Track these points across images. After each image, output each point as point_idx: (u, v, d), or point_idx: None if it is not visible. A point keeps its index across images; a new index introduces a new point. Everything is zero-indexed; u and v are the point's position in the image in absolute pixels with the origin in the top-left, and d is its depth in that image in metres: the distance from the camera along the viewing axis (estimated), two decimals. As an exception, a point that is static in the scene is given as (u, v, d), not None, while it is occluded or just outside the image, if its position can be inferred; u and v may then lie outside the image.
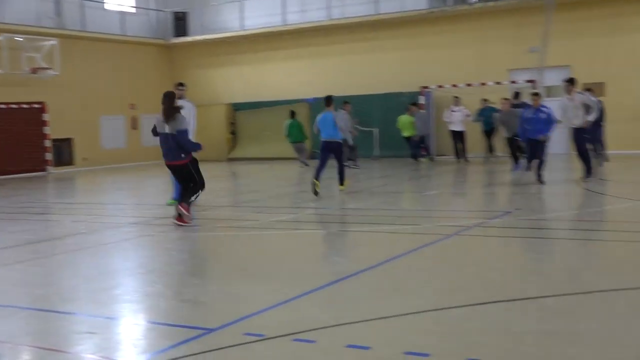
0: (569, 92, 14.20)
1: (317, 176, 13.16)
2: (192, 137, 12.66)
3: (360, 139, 23.09)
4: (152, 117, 25.80)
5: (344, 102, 19.77)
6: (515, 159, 16.83)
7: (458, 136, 21.53)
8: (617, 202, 11.21)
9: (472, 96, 22.38)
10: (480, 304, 5.58)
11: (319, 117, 13.79)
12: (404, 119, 22.43)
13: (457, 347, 4.56)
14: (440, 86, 23.78)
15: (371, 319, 5.20)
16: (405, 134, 22.37)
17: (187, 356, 4.51)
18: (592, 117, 14.00)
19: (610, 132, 21.29)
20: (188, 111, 12.84)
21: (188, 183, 10.36)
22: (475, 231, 9.21)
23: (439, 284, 6.43)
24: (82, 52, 25.45)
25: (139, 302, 6.16)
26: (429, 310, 5.40)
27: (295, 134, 22.42)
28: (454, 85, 23.33)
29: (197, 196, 10.45)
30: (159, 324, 5.45)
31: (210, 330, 5.01)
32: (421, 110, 22.51)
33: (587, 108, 13.97)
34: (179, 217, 10.13)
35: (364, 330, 5.00)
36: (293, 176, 19.43)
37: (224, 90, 28.69)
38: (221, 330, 5.02)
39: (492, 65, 23.23)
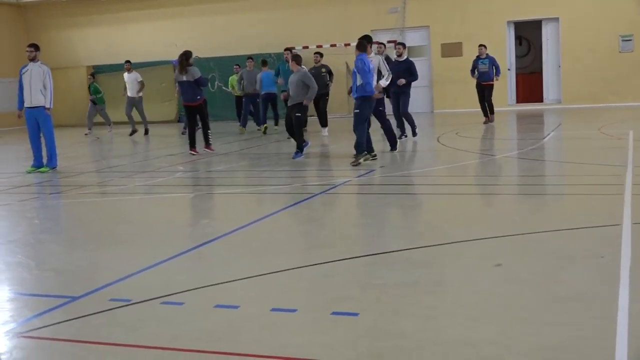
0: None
1: (263, 121, 18.72)
2: (52, 100, 12.30)
3: (227, 101, 22.93)
4: (6, 80, 24.29)
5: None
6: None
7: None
8: (474, 157, 11.78)
9: (337, 57, 22.66)
10: (345, 259, 5.76)
11: (263, 74, 18.35)
12: (233, 79, 20.91)
13: (323, 301, 4.71)
14: (305, 47, 23.93)
15: (239, 279, 5.27)
16: (236, 94, 20.60)
17: (50, 325, 4.41)
18: (383, 83, 12.12)
19: (467, 91, 22.24)
20: (42, 74, 12.34)
21: (203, 120, 14.15)
22: (341, 189, 9.44)
23: (306, 242, 6.59)
24: None
25: (-1, 274, 5.93)
26: (296, 268, 5.53)
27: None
28: (319, 46, 23.52)
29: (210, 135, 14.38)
30: (20, 294, 5.29)
31: (75, 298, 4.92)
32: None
33: (379, 73, 12.01)
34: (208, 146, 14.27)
35: (232, 290, 5.06)
36: (160, 139, 19.10)
37: (84, 52, 27.66)
38: (86, 298, 4.94)
39: (355, 26, 23.58)
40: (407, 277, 5.14)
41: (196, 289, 5.04)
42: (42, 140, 12.68)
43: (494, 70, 18.11)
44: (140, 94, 20.69)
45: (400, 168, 11.24)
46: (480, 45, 18.44)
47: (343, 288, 4.97)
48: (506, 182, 9.89)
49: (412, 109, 23.39)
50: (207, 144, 14.31)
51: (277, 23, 24.75)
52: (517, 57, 24.42)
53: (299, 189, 9.63)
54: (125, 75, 20.82)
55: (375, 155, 11.61)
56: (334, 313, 4.42)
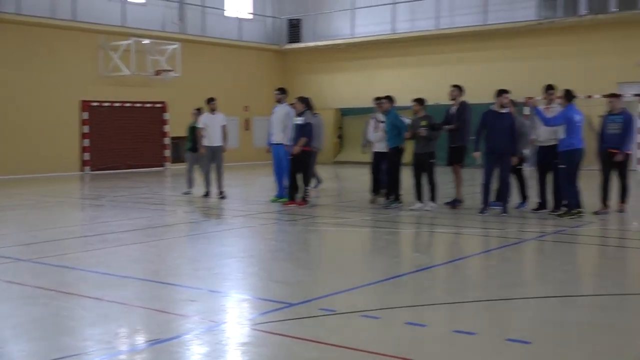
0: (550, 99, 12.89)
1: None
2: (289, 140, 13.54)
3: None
4: (263, 119, 26.70)
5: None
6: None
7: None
8: None
9: (582, 109, 22.29)
10: (536, 297, 6.21)
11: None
12: None
13: (502, 329, 5.25)
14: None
15: (431, 304, 5.94)
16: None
17: (268, 322, 5.39)
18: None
19: None
20: (285, 115, 13.70)
21: (304, 170, 13.26)
22: (553, 237, 9.71)
23: (503, 279, 7.07)
24: (202, 55, 26.98)
25: (236, 280, 7.13)
26: (486, 300, 6.08)
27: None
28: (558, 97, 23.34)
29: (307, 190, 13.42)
30: (250, 297, 6.38)
31: (291, 305, 5.88)
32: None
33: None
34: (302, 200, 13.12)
35: (423, 313, 5.75)
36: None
37: (332, 95, 29.66)
38: (300, 305, 5.87)
39: (599, 78, 23.11)
40: (589, 318, 5.49)
41: (393, 307, 5.80)
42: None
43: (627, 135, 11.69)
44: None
45: (622, 222, 11.16)
46: (611, 95, 12.36)
47: (524, 320, 5.45)
48: None
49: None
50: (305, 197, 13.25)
51: (519, 72, 24.86)
52: None
53: (511, 234, 10.02)
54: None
55: (580, 212, 11.14)
56: (508, 339, 4.94)
